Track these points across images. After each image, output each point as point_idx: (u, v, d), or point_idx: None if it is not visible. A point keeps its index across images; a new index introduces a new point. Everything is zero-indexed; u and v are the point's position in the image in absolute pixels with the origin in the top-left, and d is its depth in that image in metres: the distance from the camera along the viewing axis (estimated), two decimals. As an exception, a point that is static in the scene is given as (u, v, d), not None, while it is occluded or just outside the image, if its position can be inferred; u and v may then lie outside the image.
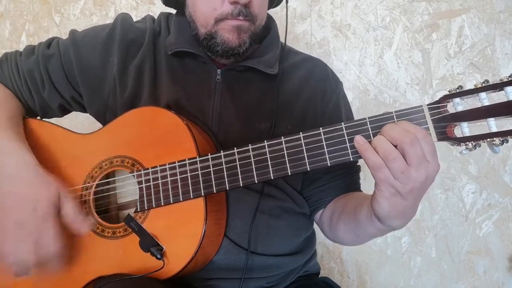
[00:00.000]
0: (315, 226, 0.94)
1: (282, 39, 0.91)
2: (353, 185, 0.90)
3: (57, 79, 0.86)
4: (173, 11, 0.91)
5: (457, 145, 0.60)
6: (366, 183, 0.92)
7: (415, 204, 0.64)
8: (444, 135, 0.61)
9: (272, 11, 0.92)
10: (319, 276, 0.97)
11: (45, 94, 0.86)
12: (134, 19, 0.91)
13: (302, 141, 0.66)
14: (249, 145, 0.68)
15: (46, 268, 0.69)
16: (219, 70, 0.84)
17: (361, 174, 0.93)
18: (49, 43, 0.89)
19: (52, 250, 0.67)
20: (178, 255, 0.69)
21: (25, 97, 0.87)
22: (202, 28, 0.80)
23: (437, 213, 1.31)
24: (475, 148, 0.59)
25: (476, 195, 1.30)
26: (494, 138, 0.57)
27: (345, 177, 0.89)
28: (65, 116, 0.95)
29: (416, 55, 1.33)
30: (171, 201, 0.71)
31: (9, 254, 0.66)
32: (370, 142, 0.61)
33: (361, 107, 1.35)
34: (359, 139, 0.62)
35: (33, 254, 0.66)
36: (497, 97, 0.58)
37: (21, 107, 0.87)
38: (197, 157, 0.71)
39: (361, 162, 0.90)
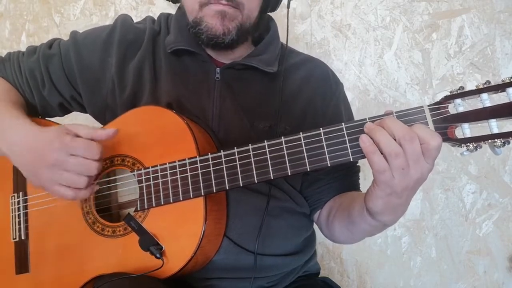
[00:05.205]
0: (315, 226, 0.94)
1: (282, 39, 0.91)
2: (353, 186, 0.90)
3: (57, 79, 0.87)
4: (173, 11, 0.91)
5: (458, 146, 0.60)
6: (366, 183, 0.92)
7: (407, 201, 0.65)
8: (445, 136, 0.61)
9: (272, 11, 0.92)
10: (319, 276, 0.97)
11: (45, 93, 0.87)
12: (134, 20, 0.92)
13: (302, 141, 0.66)
14: (249, 145, 0.68)
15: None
16: (218, 68, 0.84)
17: (361, 174, 0.93)
18: (51, 43, 0.90)
19: (92, 163, 0.70)
20: (178, 254, 0.69)
21: (27, 95, 0.88)
22: (191, 16, 0.81)
23: (437, 213, 1.31)
24: (476, 149, 0.58)
25: (476, 195, 1.30)
26: (496, 140, 0.57)
27: (345, 178, 0.89)
28: (65, 116, 0.95)
29: (416, 55, 1.32)
30: (171, 201, 0.71)
31: (61, 193, 0.71)
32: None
33: (361, 107, 1.35)
34: (365, 139, 0.61)
35: (77, 180, 0.70)
36: (498, 98, 0.58)
37: (22, 99, 0.88)
38: (197, 156, 0.71)
39: (361, 162, 0.90)
